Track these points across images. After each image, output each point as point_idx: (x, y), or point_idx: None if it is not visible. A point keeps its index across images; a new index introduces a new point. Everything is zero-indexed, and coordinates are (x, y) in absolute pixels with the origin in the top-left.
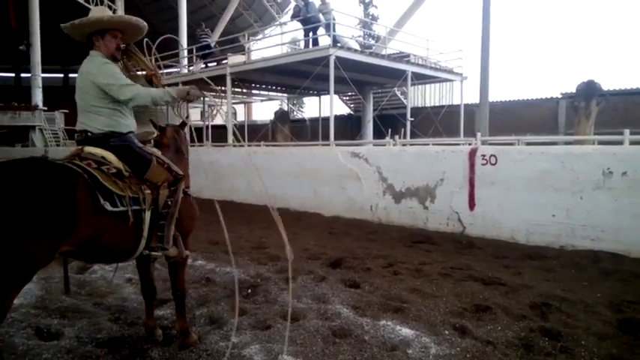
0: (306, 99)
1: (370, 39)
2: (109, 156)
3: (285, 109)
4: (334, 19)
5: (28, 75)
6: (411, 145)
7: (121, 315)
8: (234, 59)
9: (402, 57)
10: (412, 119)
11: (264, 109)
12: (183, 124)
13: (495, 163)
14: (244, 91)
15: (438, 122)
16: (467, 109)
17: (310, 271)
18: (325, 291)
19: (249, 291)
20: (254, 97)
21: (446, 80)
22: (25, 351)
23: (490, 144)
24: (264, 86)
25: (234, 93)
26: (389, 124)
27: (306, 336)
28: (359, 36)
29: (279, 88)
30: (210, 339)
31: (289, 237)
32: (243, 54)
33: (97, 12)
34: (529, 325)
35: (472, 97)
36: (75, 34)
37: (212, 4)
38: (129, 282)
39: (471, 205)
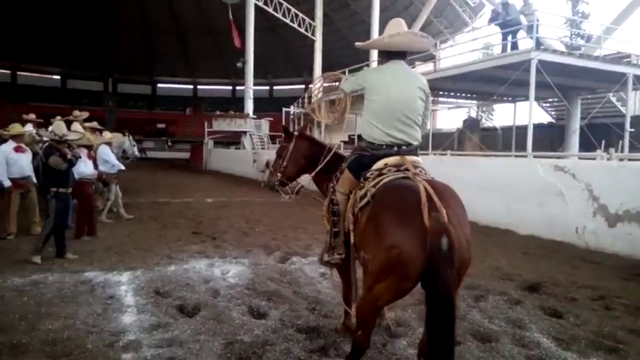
0: (496, 106)
1: (579, 39)
2: (424, 165)
3: (474, 117)
4: (537, 21)
5: (240, 88)
6: (630, 159)
7: (317, 306)
8: (422, 68)
9: (620, 58)
10: (632, 130)
11: (448, 116)
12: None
13: None
14: (439, 99)
15: None
16: None
17: (503, 292)
18: (521, 316)
19: None
20: (440, 105)
21: None
22: (241, 325)
23: None
24: (452, 94)
25: None
26: (600, 134)
27: None
28: (564, 36)
29: (468, 95)
30: (398, 344)
31: (479, 253)
32: (433, 62)
33: (399, 26)
34: None
35: None
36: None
37: (402, 14)
38: (322, 276)
39: None
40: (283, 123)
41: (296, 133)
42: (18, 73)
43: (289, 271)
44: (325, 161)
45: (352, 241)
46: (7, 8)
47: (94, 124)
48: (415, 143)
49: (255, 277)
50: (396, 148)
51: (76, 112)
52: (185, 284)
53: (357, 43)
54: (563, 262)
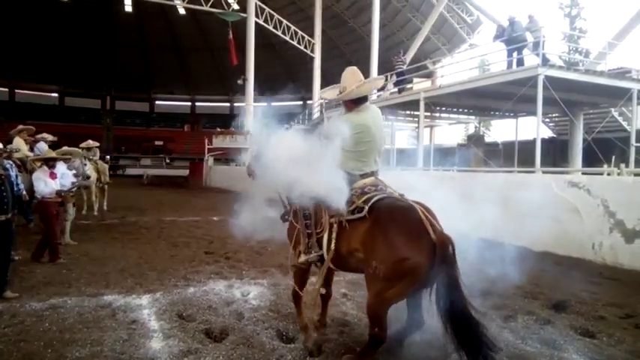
0: (495, 121)
1: (576, 54)
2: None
3: (479, 132)
4: (544, 37)
5: (238, 104)
6: None
7: (345, 328)
8: (421, 85)
9: (622, 73)
10: (638, 144)
11: (446, 131)
12: None
13: None
14: (440, 115)
15: None
16: None
17: (530, 311)
18: (554, 336)
19: None
20: (441, 121)
21: None
22: (272, 350)
23: None
24: (454, 109)
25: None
26: (603, 149)
27: None
28: (562, 52)
29: (468, 110)
30: None
31: (496, 271)
32: (430, 78)
33: (357, 74)
34: None
35: None
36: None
37: (400, 31)
38: (345, 297)
39: None
40: None
41: None
42: (16, 91)
43: (310, 292)
44: None
45: (333, 247)
46: (5, 27)
47: (89, 142)
48: (378, 167)
49: (277, 299)
50: (370, 173)
51: (20, 127)
52: (207, 307)
53: (328, 98)
54: (583, 279)
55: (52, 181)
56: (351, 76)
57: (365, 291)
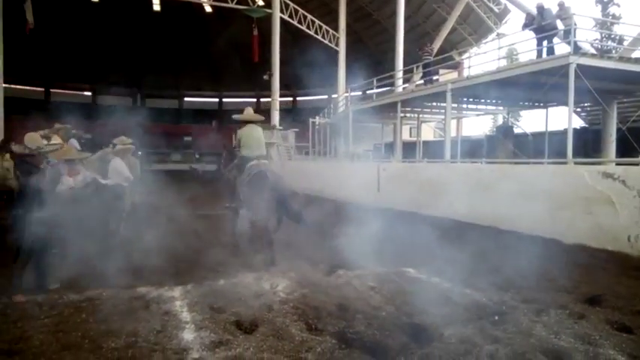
0: (523, 112)
1: (609, 41)
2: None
3: (507, 123)
4: (575, 25)
5: (264, 100)
6: None
7: (373, 321)
8: (447, 76)
9: None
10: None
11: (473, 123)
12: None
13: None
14: (467, 106)
15: None
16: None
17: (563, 305)
18: (588, 331)
19: (497, 318)
20: (465, 112)
21: None
22: (302, 342)
23: None
24: (482, 100)
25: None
26: (638, 139)
27: None
28: (595, 39)
29: (496, 101)
30: None
31: (527, 264)
32: (456, 70)
33: (250, 110)
34: None
35: None
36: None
37: (426, 23)
38: (372, 290)
39: None
40: (310, 133)
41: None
42: (51, 90)
43: (338, 285)
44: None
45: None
46: (38, 31)
47: (122, 138)
48: (263, 153)
49: (306, 291)
50: (255, 157)
51: (57, 125)
52: (237, 299)
53: (234, 116)
54: (619, 272)
55: (70, 179)
56: (247, 111)
57: (392, 284)
